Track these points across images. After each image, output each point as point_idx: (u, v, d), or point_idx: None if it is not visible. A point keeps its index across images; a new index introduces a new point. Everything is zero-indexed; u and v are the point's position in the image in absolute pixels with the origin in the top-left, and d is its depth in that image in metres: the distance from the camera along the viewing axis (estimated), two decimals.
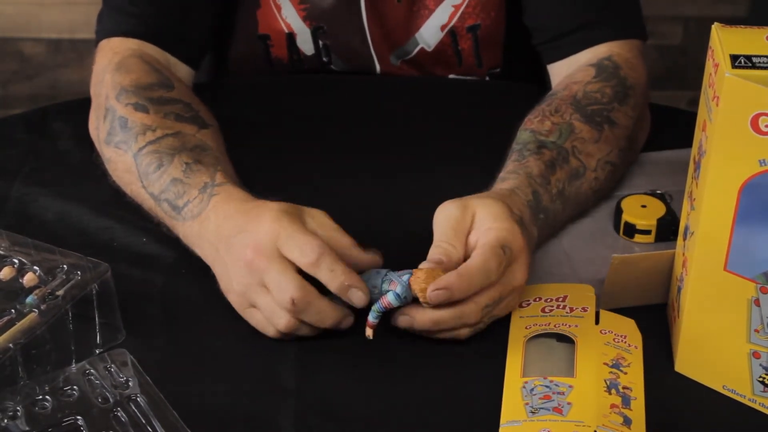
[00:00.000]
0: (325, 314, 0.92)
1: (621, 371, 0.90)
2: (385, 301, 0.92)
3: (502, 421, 0.86)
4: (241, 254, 0.93)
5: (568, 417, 0.85)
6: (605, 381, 0.89)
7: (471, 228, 0.95)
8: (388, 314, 0.93)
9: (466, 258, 0.93)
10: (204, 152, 1.04)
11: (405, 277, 0.92)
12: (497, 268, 0.91)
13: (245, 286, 0.93)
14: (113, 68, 1.12)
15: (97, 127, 1.11)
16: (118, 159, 1.07)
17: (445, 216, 0.95)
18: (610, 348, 0.92)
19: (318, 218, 0.95)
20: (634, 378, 0.90)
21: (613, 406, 0.87)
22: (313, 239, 0.91)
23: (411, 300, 0.92)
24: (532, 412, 0.86)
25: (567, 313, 0.95)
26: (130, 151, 1.05)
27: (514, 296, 0.95)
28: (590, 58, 1.17)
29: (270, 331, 0.94)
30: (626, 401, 0.87)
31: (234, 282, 0.94)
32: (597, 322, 0.95)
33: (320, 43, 1.30)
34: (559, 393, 0.87)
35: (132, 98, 1.08)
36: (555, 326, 0.94)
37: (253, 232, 0.93)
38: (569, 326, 0.93)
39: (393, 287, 0.92)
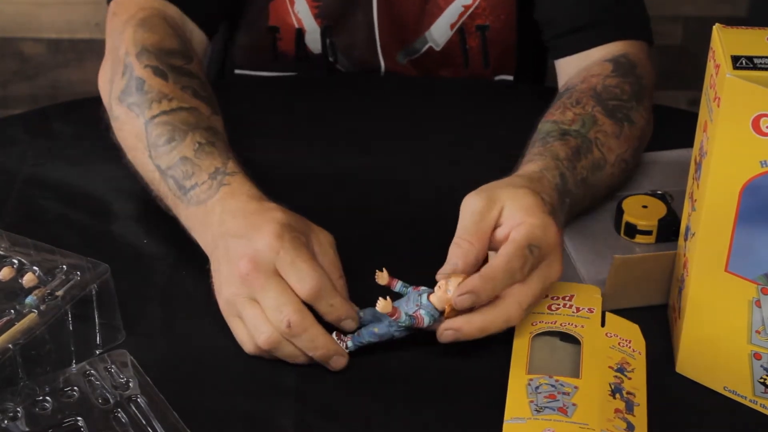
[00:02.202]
0: (317, 343, 0.90)
1: (625, 376, 0.90)
2: (422, 322, 0.91)
3: (506, 417, 0.86)
4: (236, 263, 0.91)
5: (572, 418, 0.85)
6: (610, 384, 0.88)
7: (499, 221, 0.93)
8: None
9: (493, 248, 0.92)
10: (216, 136, 1.03)
11: (424, 297, 0.91)
12: (521, 268, 0.90)
13: (234, 296, 0.91)
14: (136, 23, 1.10)
15: (111, 80, 1.09)
16: (127, 120, 1.05)
17: (470, 209, 0.93)
18: (615, 352, 0.92)
19: (323, 242, 0.95)
20: (638, 384, 0.89)
21: (617, 410, 0.86)
22: (314, 270, 0.90)
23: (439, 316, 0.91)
24: (537, 411, 0.86)
25: (573, 312, 0.95)
26: (143, 116, 1.04)
27: None
28: (604, 54, 1.16)
29: (248, 346, 0.92)
30: (630, 407, 0.87)
31: (224, 288, 0.93)
32: (602, 324, 0.94)
33: (327, 41, 1.30)
34: (564, 393, 0.87)
35: (153, 60, 1.06)
36: (561, 325, 0.93)
37: (252, 241, 0.91)
38: (575, 326, 0.93)
39: (421, 321, 0.91)
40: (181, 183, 0.99)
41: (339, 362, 0.92)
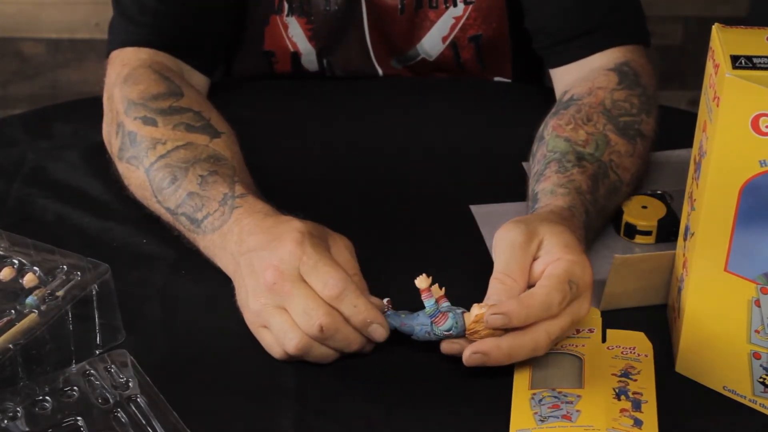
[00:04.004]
0: (351, 340, 0.91)
1: (630, 379, 0.90)
2: (446, 332, 0.90)
3: (511, 429, 0.86)
4: (261, 274, 0.91)
5: (577, 423, 0.85)
6: (614, 389, 0.88)
7: (537, 254, 0.92)
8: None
9: (530, 285, 0.91)
10: (219, 162, 1.03)
11: (459, 311, 0.90)
12: (559, 303, 0.89)
13: (262, 306, 0.91)
14: (121, 81, 1.11)
15: (109, 141, 1.11)
16: (130, 175, 1.06)
17: (509, 242, 0.92)
18: (618, 360, 0.92)
19: (340, 246, 0.95)
20: (645, 383, 0.89)
21: (623, 410, 0.86)
22: (337, 271, 0.90)
23: (462, 333, 0.90)
24: (541, 420, 0.86)
25: (573, 334, 0.94)
26: (142, 166, 1.04)
27: None
28: (605, 62, 1.14)
29: (277, 351, 0.92)
30: (637, 405, 0.87)
31: (251, 300, 0.92)
32: (604, 340, 0.94)
33: (324, 61, 1.30)
34: (567, 402, 0.87)
35: (140, 112, 1.07)
36: (561, 347, 0.93)
37: (274, 251, 0.91)
38: (576, 346, 0.93)
39: (442, 321, 0.90)
40: (192, 217, 1.00)
41: (370, 346, 0.93)
